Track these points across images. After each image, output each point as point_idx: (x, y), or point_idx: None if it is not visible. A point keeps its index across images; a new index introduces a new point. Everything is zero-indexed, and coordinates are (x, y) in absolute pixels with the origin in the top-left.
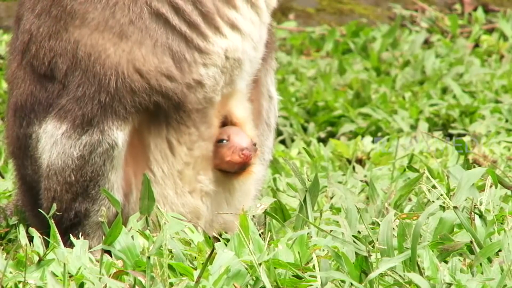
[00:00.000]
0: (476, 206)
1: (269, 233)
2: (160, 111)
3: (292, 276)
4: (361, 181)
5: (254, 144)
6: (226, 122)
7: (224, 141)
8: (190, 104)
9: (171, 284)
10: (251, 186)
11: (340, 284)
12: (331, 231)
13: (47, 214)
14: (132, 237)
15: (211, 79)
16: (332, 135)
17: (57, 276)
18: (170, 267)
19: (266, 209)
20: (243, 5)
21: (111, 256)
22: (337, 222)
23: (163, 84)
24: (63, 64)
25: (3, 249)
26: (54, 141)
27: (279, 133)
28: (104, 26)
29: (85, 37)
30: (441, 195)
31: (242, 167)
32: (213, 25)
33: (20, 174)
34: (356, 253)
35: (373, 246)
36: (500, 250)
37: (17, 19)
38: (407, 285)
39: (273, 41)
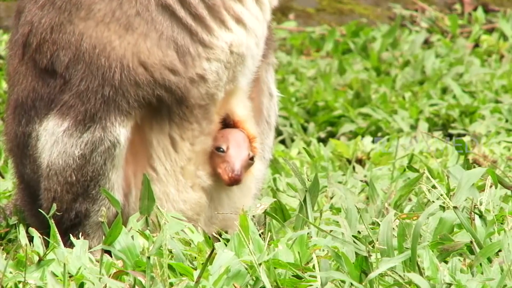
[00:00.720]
0: (476, 206)
1: (269, 233)
2: (163, 106)
3: (292, 276)
4: (361, 181)
5: (252, 158)
6: (227, 120)
7: (222, 151)
8: (193, 99)
9: (171, 284)
10: (251, 184)
11: (340, 284)
12: (331, 231)
13: (47, 214)
14: (132, 237)
15: (213, 74)
16: (332, 135)
17: (57, 276)
18: (170, 267)
19: (266, 209)
20: None
21: (111, 256)
22: (337, 222)
23: (167, 78)
24: (65, 57)
25: (3, 249)
26: (54, 140)
27: (279, 133)
28: (111, 17)
29: (90, 29)
30: (441, 195)
31: (229, 185)
32: (218, 18)
33: (19, 172)
34: (356, 253)
35: (373, 246)
36: (500, 250)
37: (17, 13)
38: (407, 285)
39: (272, 38)
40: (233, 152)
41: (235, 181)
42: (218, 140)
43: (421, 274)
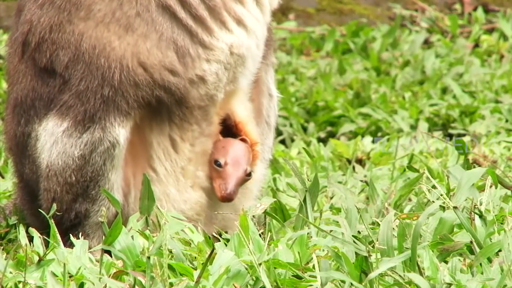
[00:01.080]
0: (476, 206)
1: (269, 233)
2: (162, 107)
3: (292, 276)
4: (361, 181)
5: (249, 174)
6: (228, 121)
7: (219, 165)
8: (192, 100)
9: (171, 284)
10: (253, 187)
11: (340, 284)
12: (331, 231)
13: (47, 215)
14: (132, 237)
15: (213, 75)
16: (332, 135)
17: (57, 276)
18: (170, 267)
19: (266, 209)
20: (250, 0)
21: (111, 256)
22: (337, 222)
23: (166, 79)
24: (64, 57)
25: (3, 249)
26: (54, 140)
27: (279, 133)
28: (111, 18)
29: (90, 29)
30: (441, 195)
31: (222, 201)
32: (219, 19)
33: (18, 171)
34: (356, 253)
35: (373, 246)
36: (500, 250)
37: (17, 11)
38: (407, 285)
39: (272, 38)
40: (230, 170)
41: (227, 200)
42: (218, 151)
43: (421, 274)
